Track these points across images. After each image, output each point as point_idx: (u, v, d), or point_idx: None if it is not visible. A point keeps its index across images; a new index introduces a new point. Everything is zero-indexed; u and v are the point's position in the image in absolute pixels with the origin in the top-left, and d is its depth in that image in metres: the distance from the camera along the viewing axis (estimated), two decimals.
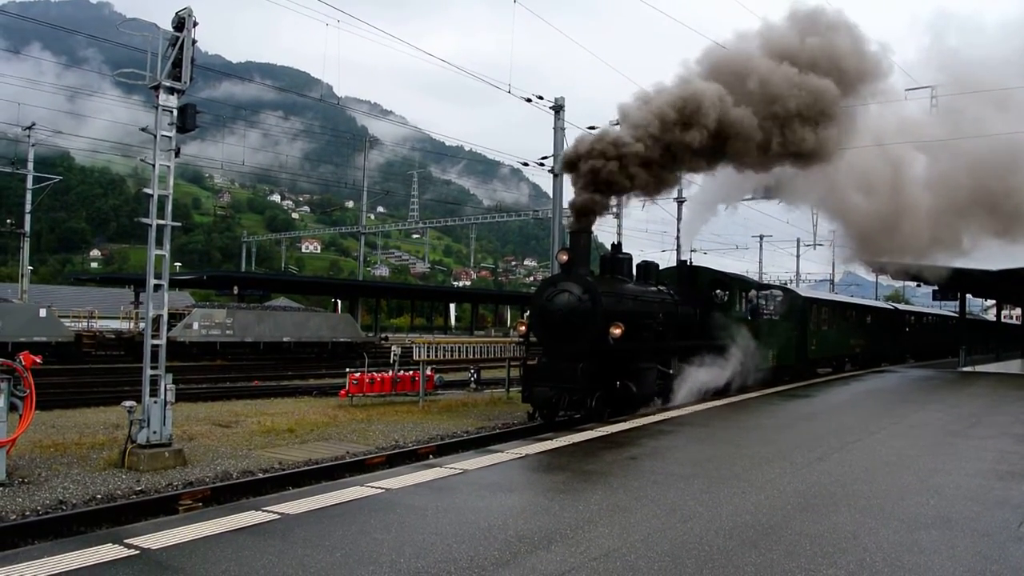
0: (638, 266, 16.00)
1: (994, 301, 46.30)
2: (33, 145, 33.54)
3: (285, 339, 35.12)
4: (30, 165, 33.55)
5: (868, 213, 20.44)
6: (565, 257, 13.72)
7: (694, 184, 25.96)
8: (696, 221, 22.72)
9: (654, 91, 15.24)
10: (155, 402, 10.08)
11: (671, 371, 14.79)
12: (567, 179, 16.84)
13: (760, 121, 15.39)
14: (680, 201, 36.22)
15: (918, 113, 20.86)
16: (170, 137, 10.44)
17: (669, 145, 14.27)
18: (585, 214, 14.02)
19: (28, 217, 34.24)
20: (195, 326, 32.12)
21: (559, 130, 20.98)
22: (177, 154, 10.66)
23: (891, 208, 20.14)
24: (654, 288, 15.69)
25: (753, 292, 19.45)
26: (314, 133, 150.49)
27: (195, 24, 10.39)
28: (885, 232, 20.78)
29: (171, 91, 10.33)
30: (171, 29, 10.33)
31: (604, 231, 47.50)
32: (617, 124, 14.71)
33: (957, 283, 29.13)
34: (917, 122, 20.37)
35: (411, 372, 17.91)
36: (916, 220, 20.25)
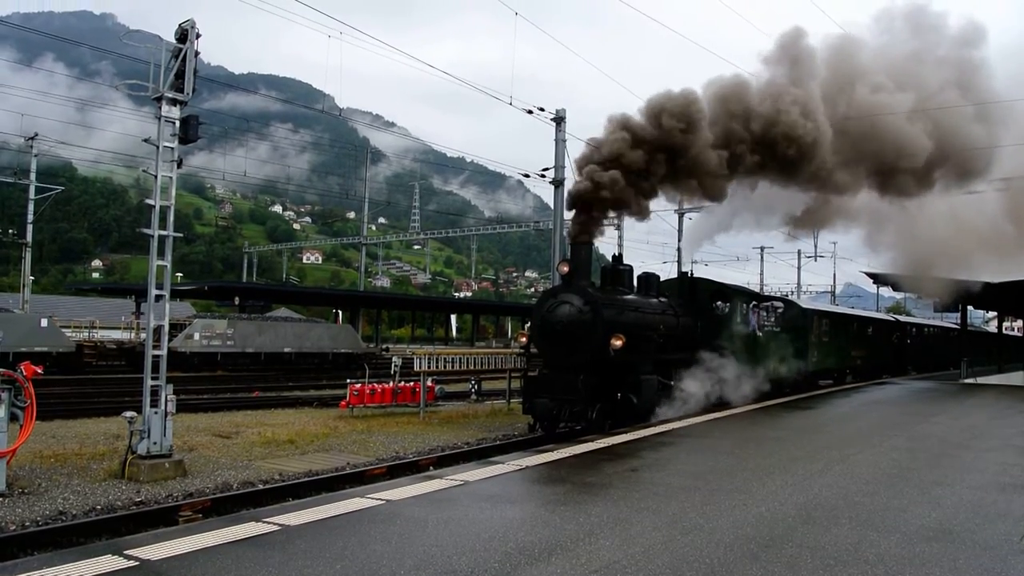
0: (639, 278, 16.00)
1: (995, 313, 46.27)
2: (36, 155, 33.65)
3: (286, 350, 35.09)
4: (32, 175, 33.66)
5: (931, 241, 20.45)
6: (566, 268, 13.74)
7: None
8: (715, 228, 22.42)
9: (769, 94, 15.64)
10: (156, 413, 10.09)
11: (672, 382, 14.77)
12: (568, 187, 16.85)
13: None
14: (681, 213, 36.28)
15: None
16: (172, 148, 10.50)
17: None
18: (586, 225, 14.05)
19: (30, 227, 34.34)
20: (196, 336, 32.09)
21: (560, 142, 20.99)
22: (179, 165, 10.71)
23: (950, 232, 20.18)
24: (655, 300, 15.70)
25: (754, 304, 19.44)
26: (319, 145, 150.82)
27: (198, 36, 10.47)
28: (943, 256, 20.77)
29: (174, 102, 10.40)
30: (174, 41, 10.41)
31: (605, 243, 47.52)
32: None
33: (959, 295, 29.05)
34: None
35: (412, 383, 17.91)
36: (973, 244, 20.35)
